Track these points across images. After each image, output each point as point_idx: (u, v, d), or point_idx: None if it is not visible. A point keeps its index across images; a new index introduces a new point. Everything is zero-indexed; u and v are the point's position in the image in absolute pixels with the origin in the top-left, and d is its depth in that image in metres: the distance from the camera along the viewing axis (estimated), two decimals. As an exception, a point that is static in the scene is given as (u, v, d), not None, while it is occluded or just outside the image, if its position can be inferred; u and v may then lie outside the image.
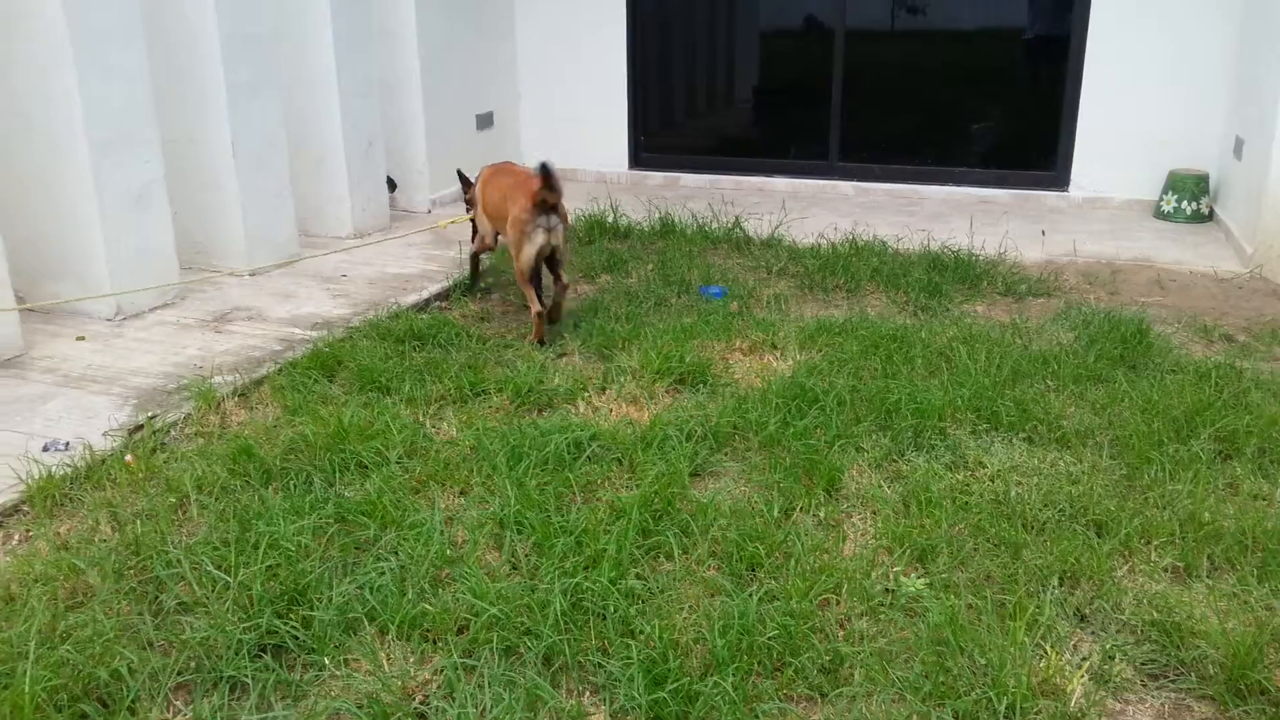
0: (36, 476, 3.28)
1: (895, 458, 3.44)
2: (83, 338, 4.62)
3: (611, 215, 6.55)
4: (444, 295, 5.38)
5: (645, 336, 4.50)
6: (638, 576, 2.72)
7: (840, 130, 7.91)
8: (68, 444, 3.58)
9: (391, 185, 7.04)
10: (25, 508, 3.22)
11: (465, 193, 5.47)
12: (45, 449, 3.55)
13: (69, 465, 3.37)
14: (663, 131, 8.49)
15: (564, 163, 8.35)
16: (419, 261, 6.01)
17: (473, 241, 5.39)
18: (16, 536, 3.08)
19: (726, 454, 3.50)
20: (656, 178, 8.25)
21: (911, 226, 6.56)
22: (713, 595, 2.70)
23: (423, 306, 5.19)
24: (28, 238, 4.72)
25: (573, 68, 8.24)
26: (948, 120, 7.84)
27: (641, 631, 2.49)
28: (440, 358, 4.35)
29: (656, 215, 6.56)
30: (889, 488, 3.26)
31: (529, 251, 4.50)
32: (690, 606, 2.64)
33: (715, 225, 6.39)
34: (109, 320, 4.83)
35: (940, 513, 3.04)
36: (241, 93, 5.36)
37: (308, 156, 6.22)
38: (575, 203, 7.10)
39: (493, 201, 4.92)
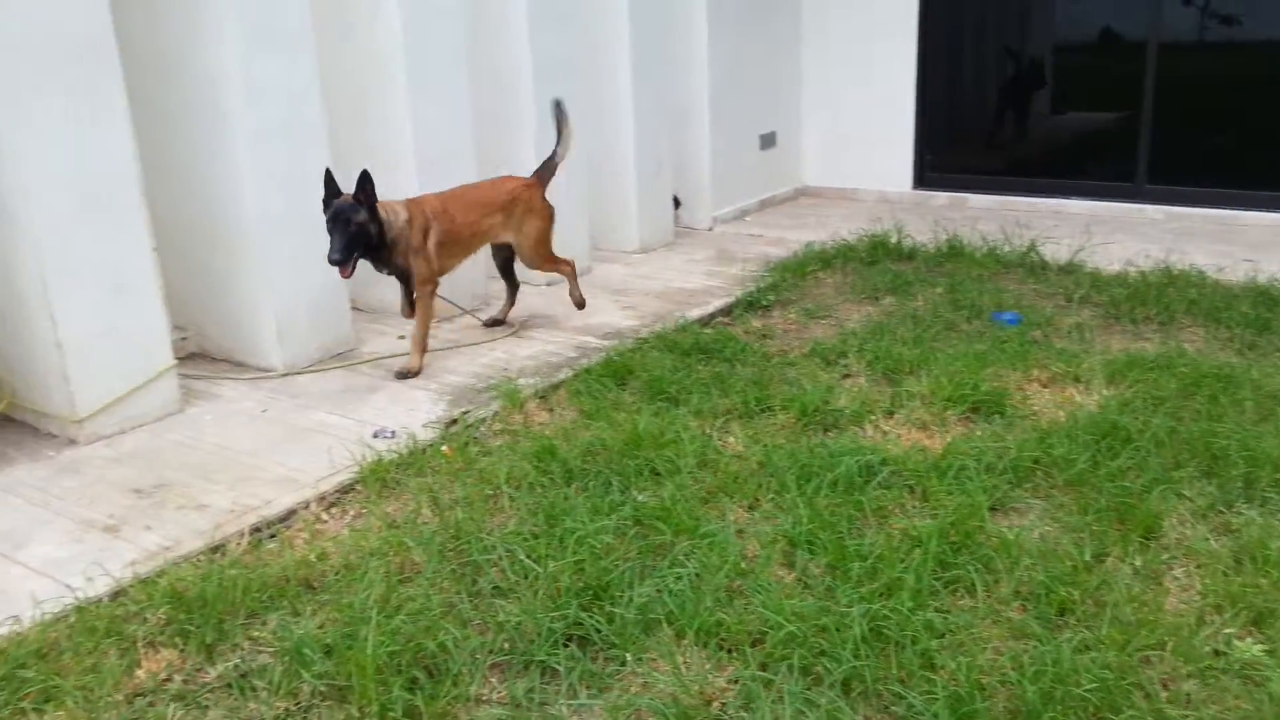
0: (368, 460, 3.63)
1: (1223, 509, 3.14)
2: (402, 337, 5.06)
3: (895, 236, 6.41)
4: (727, 311, 5.46)
5: (935, 361, 4.37)
6: (936, 609, 2.64)
7: (1149, 150, 7.34)
8: (394, 432, 3.94)
9: (676, 203, 7.25)
10: (359, 487, 3.56)
11: (366, 219, 4.27)
12: (375, 435, 3.93)
13: (394, 452, 3.71)
14: (950, 150, 8.22)
15: (844, 181, 8.36)
16: (701, 277, 6.14)
17: (422, 284, 4.59)
18: (351, 513, 3.42)
19: (1028, 490, 3.33)
20: (942, 198, 8.00)
21: (1233, 255, 5.98)
22: (1017, 637, 2.57)
23: (706, 321, 5.29)
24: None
25: (857, 85, 8.15)
26: (1273, 139, 7.08)
27: (943, 666, 2.41)
28: (725, 372, 4.42)
29: (943, 236, 6.36)
30: (1216, 541, 2.98)
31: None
32: (993, 647, 2.53)
33: (1007, 248, 6.11)
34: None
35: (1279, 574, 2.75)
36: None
37: (602, 176, 6.51)
38: (856, 223, 7.04)
39: (469, 220, 4.73)
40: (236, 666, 2.55)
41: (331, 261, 4.17)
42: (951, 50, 8.04)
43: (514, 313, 5.45)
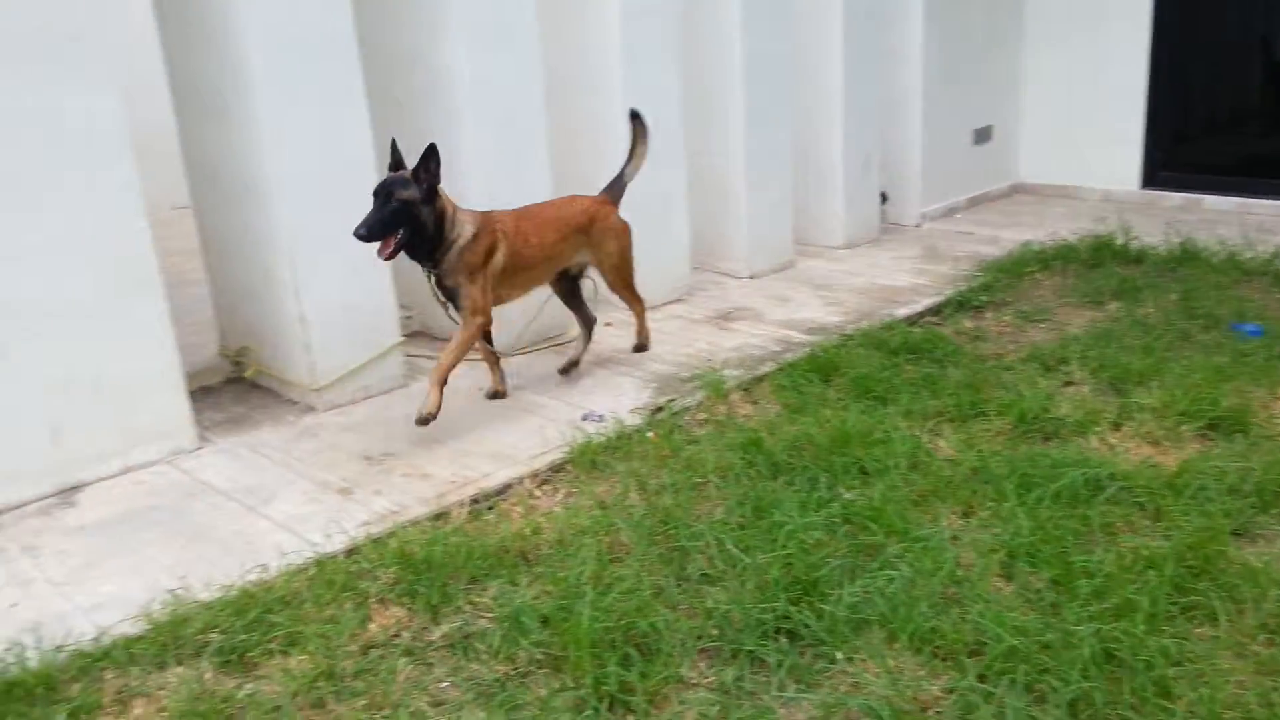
0: (578, 441, 3.74)
1: None
2: (609, 324, 5.18)
3: (1121, 237, 6.04)
4: (935, 310, 5.30)
5: (1167, 373, 4.09)
6: (1173, 636, 2.48)
7: None
8: (602, 416, 4.04)
9: (883, 198, 7.08)
10: (569, 467, 3.67)
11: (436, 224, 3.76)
12: (584, 418, 4.04)
13: (602, 435, 3.80)
14: (1184, 146, 7.66)
15: (1064, 178, 7.93)
16: (908, 275, 5.98)
17: (473, 314, 3.91)
18: (562, 491, 3.53)
19: (1275, 516, 3.07)
20: (1174, 198, 7.46)
21: None
22: (1265, 673, 2.38)
23: (914, 320, 5.15)
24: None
25: (1082, 76, 7.70)
26: None
27: (1181, 696, 2.26)
28: (936, 373, 4.29)
29: (1175, 239, 5.94)
30: None
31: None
32: (1237, 681, 2.35)
33: (1249, 254, 5.64)
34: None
35: None
36: (757, 112, 5.70)
37: (809, 170, 6.44)
38: (1077, 222, 6.68)
39: (546, 242, 4.17)
40: (460, 628, 2.69)
41: (357, 235, 3.55)
42: (1187, 37, 7.47)
43: (716, 303, 5.48)
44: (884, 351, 4.55)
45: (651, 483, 3.42)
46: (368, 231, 3.58)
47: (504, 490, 3.50)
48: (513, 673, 2.52)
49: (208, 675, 2.53)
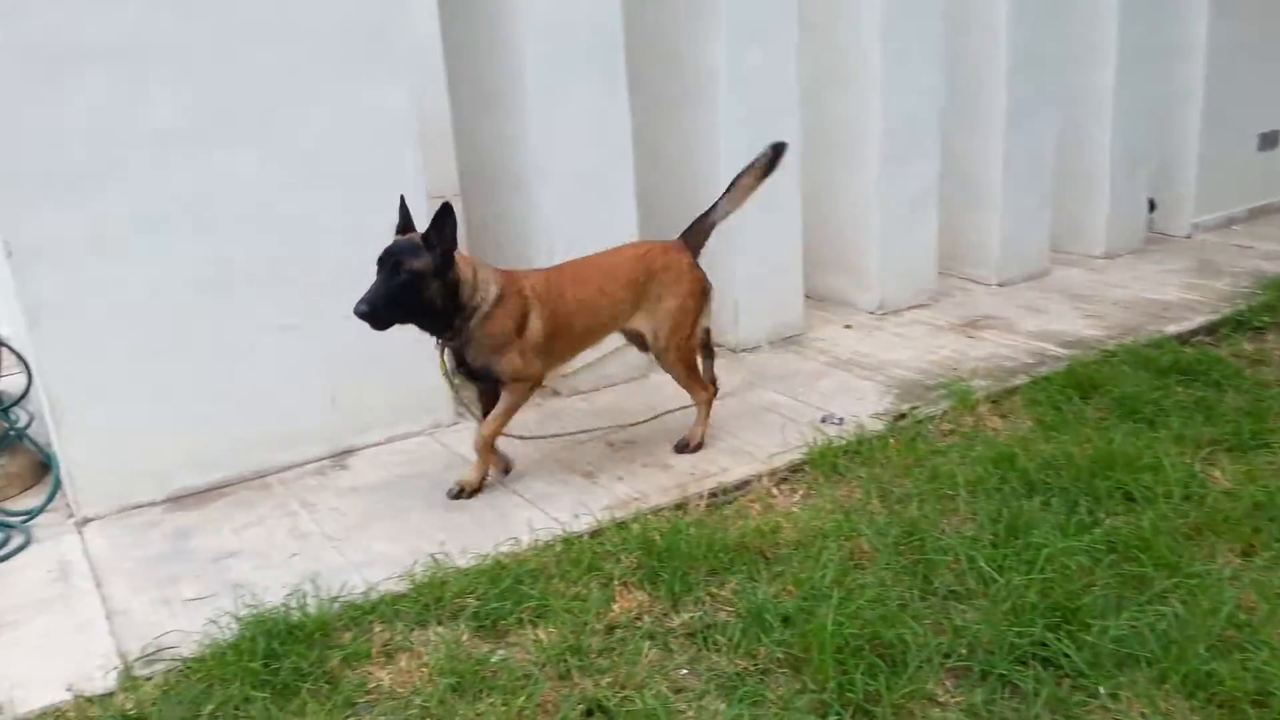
0: (817, 443, 3.70)
1: None
2: (849, 326, 5.11)
3: None
4: (1210, 329, 4.87)
5: None
6: None
7: None
8: (841, 419, 3.97)
9: (1151, 206, 6.59)
10: (807, 468, 3.64)
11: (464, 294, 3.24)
12: (823, 420, 3.99)
13: (842, 438, 3.74)
14: None
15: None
16: (1177, 289, 5.54)
17: (516, 380, 3.38)
18: (800, 492, 3.50)
19: None
20: None
21: None
22: None
23: (1186, 338, 4.76)
24: (815, 235, 5.31)
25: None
26: None
27: None
28: (1211, 398, 3.95)
29: None
30: None
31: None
32: None
33: None
34: (871, 313, 5.28)
35: None
36: (1020, 111, 5.43)
37: (1067, 173, 6.07)
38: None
39: (589, 300, 3.55)
40: (700, 618, 2.72)
41: (358, 313, 3.03)
42: None
43: (962, 310, 5.28)
44: (1151, 371, 4.24)
45: (894, 491, 3.34)
46: (370, 309, 3.03)
47: (742, 486, 3.51)
48: (752, 668, 2.52)
49: (464, 637, 2.68)
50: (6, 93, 3.13)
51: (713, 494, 3.44)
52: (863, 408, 4.09)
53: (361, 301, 3.03)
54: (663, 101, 4.72)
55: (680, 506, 3.35)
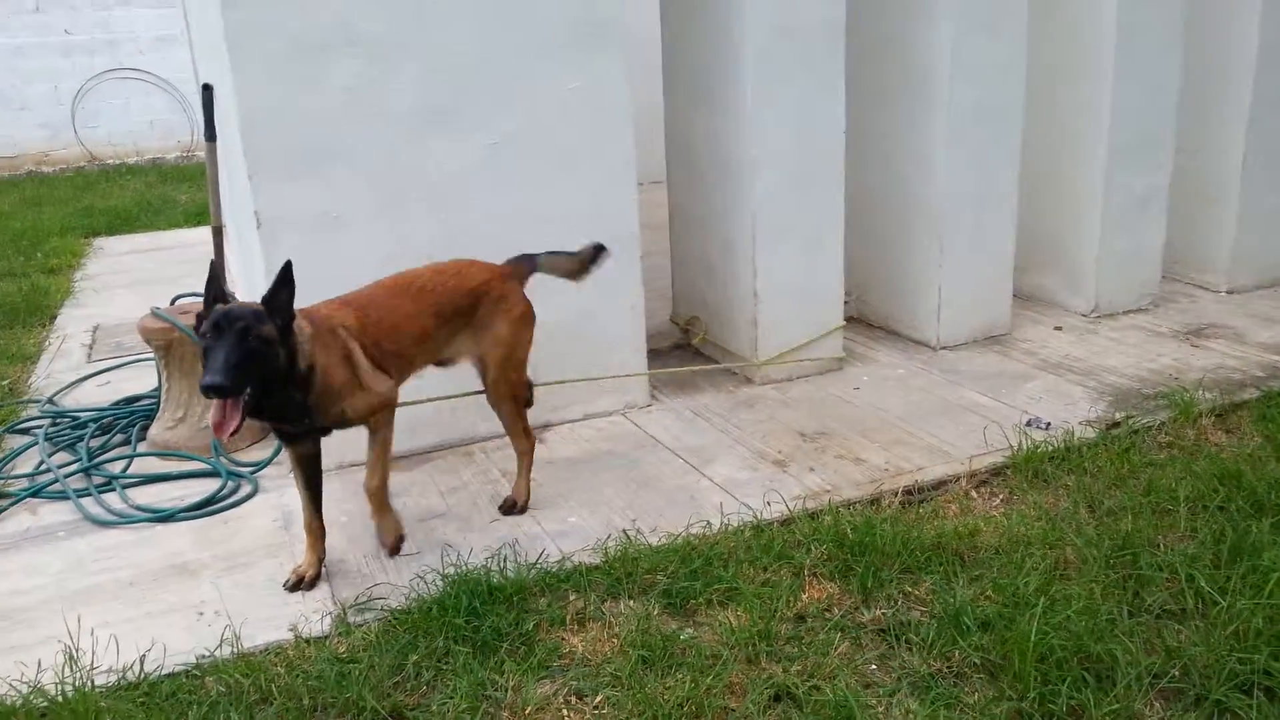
0: (1021, 447, 3.55)
1: None
2: (1059, 328, 4.87)
3: None
4: None
5: None
6: None
7: None
8: (1048, 424, 3.80)
9: None
10: (1008, 472, 3.50)
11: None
12: (1027, 424, 3.82)
13: (1049, 443, 3.58)
14: None
15: None
16: None
17: (381, 410, 3.00)
18: (1000, 496, 3.38)
19: None
20: None
21: None
22: None
23: None
24: (1027, 233, 5.07)
25: None
26: None
27: None
28: None
29: None
30: None
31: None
32: None
33: None
34: (1084, 316, 5.01)
35: None
36: (1265, 105, 5.01)
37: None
38: None
39: (406, 325, 3.08)
40: (892, 615, 2.67)
41: (208, 390, 2.54)
42: None
43: (1185, 317, 4.94)
44: None
45: (1105, 502, 3.17)
46: (226, 379, 2.53)
47: (939, 486, 3.42)
48: (946, 670, 2.46)
49: (654, 612, 2.73)
50: (279, 79, 3.39)
51: (908, 491, 3.36)
52: (1072, 414, 3.89)
53: (210, 373, 2.53)
54: (873, 92, 4.63)
55: (874, 502, 3.30)
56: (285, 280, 2.69)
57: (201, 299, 2.71)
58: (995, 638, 2.49)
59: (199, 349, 2.72)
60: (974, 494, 3.38)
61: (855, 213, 4.58)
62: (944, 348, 4.66)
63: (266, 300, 2.69)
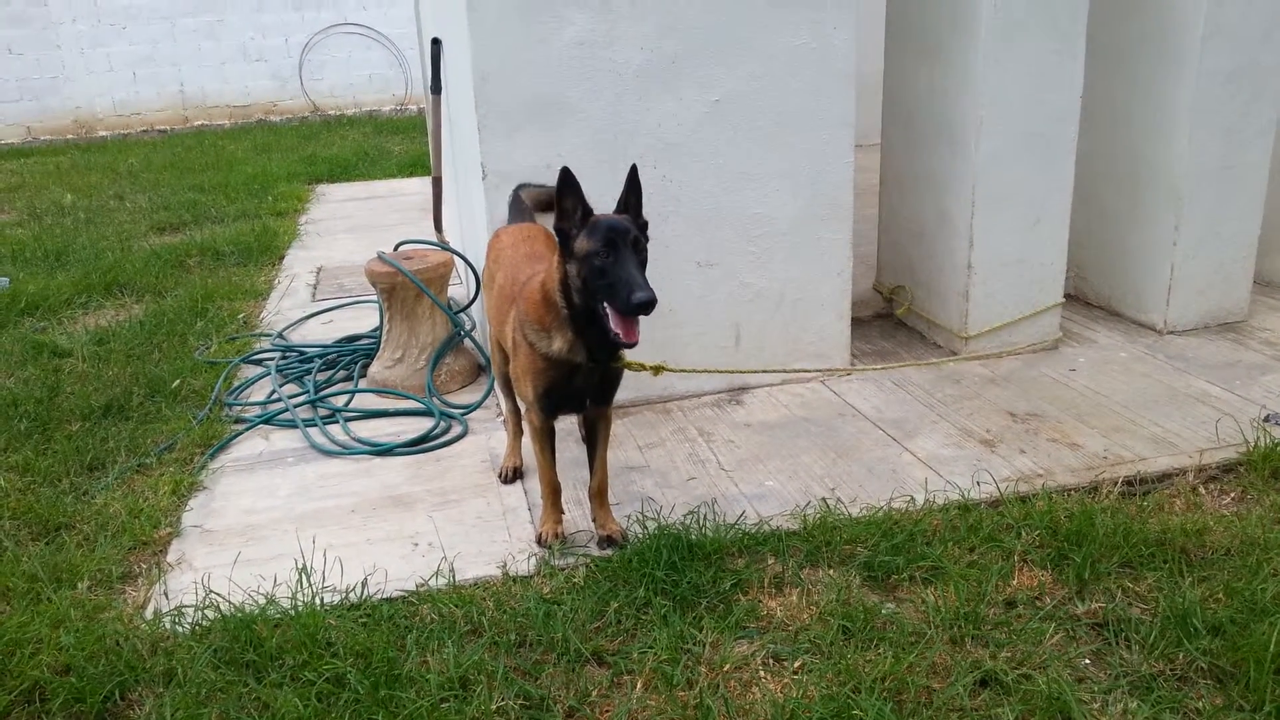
0: (1260, 444, 3.28)
1: None
2: (1305, 317, 4.46)
3: None
4: None
5: None
6: None
7: None
8: (1292, 421, 3.51)
9: None
10: (1242, 469, 3.25)
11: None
12: (1266, 419, 3.53)
13: (1291, 442, 3.30)
14: None
15: None
16: None
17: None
18: (1232, 494, 3.14)
19: None
20: None
21: None
22: None
23: None
24: (1272, 214, 4.66)
25: None
26: None
27: None
28: None
29: None
30: None
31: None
32: None
33: None
34: (1337, 305, 4.57)
35: None
36: None
37: None
38: None
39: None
40: (1110, 610, 2.53)
41: (645, 303, 2.50)
42: None
43: None
44: None
45: (1356, 509, 2.90)
46: (654, 293, 2.53)
47: (1163, 479, 3.21)
48: (1169, 672, 2.32)
49: (855, 583, 2.70)
50: (512, 34, 3.46)
51: (1128, 482, 3.17)
52: (1320, 411, 3.57)
53: (647, 289, 2.51)
54: (1108, 51, 4.32)
55: (1092, 490, 3.13)
56: (634, 185, 2.69)
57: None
58: (1227, 643, 2.33)
59: (587, 268, 2.59)
60: (1202, 490, 3.16)
61: (1078, 182, 4.33)
62: (1171, 332, 4.35)
63: (627, 209, 2.70)
